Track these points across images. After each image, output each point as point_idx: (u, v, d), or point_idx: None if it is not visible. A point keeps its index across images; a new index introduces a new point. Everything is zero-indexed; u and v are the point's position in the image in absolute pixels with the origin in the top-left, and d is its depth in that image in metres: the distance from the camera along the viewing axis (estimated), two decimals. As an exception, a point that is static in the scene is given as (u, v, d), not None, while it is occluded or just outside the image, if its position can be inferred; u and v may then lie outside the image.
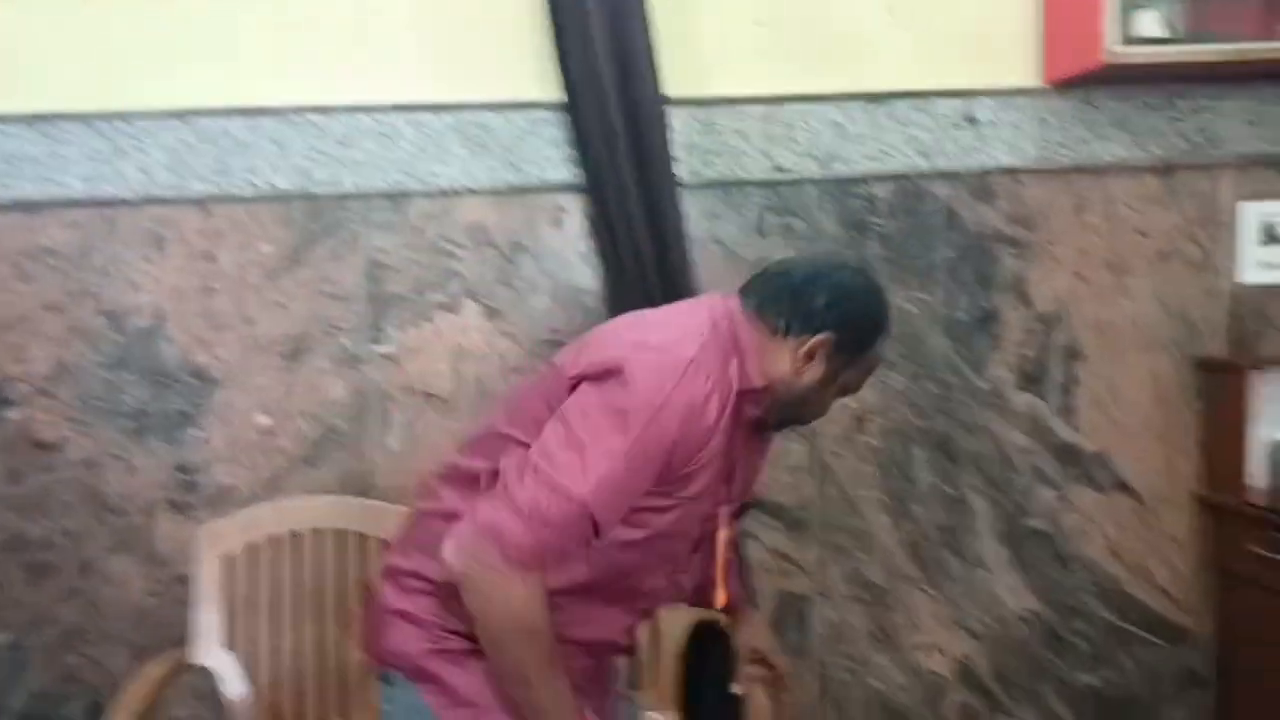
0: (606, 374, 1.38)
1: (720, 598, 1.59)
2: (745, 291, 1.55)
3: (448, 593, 1.42)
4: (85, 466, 2.31)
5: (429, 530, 1.50)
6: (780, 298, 1.51)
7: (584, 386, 1.41)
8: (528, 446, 1.40)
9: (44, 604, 2.33)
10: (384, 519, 2.30)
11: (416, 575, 1.52)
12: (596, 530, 1.34)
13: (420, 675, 1.49)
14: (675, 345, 1.41)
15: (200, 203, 2.26)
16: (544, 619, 1.34)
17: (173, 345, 2.29)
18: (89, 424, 2.30)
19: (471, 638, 1.41)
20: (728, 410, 1.43)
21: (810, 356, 1.50)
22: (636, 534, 1.43)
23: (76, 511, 2.31)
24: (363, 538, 2.31)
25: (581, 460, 1.32)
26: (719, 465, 1.46)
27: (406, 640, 1.50)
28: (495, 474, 1.42)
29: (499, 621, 1.34)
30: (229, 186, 2.26)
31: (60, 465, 2.30)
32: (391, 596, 1.54)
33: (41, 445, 2.29)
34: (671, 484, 1.41)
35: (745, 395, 1.48)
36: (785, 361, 1.50)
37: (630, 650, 1.65)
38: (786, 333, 1.50)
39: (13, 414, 2.28)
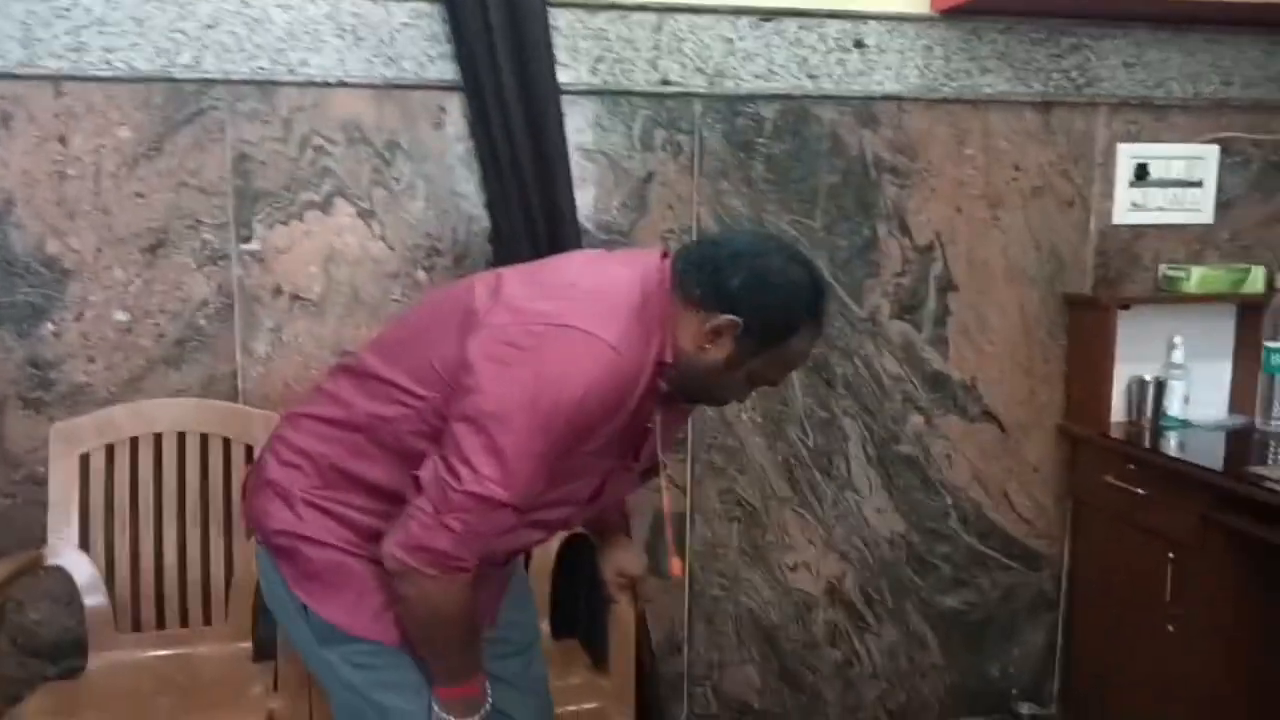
0: (521, 349, 1.36)
1: (674, 566, 1.68)
2: (680, 254, 1.48)
3: (327, 479, 1.48)
4: (-73, 358, 2.19)
5: (320, 412, 1.54)
6: (703, 268, 1.43)
7: (495, 365, 1.36)
8: (422, 401, 1.42)
9: (-118, 502, 2.21)
10: (249, 424, 2.25)
11: (299, 451, 1.52)
12: (521, 514, 1.40)
13: (278, 548, 1.51)
14: (602, 325, 1.37)
15: (53, 80, 2.13)
16: (471, 606, 1.42)
17: (22, 232, 2.17)
18: (-70, 313, 2.17)
19: (340, 522, 1.48)
20: (641, 389, 1.42)
21: (715, 335, 1.42)
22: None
23: (-80, 404, 2.20)
24: (227, 443, 2.25)
25: (504, 469, 1.33)
26: (624, 425, 1.45)
27: (272, 511, 1.51)
28: (374, 414, 1.47)
29: (428, 614, 1.41)
30: (84, 65, 2.13)
31: (-101, 356, 2.18)
32: (271, 466, 1.55)
33: (-123, 334, 2.17)
34: (594, 439, 1.44)
35: (658, 368, 1.43)
36: (691, 335, 1.43)
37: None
38: (700, 306, 1.43)
39: None
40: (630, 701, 1.98)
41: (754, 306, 1.41)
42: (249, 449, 2.24)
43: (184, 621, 2.22)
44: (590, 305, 1.41)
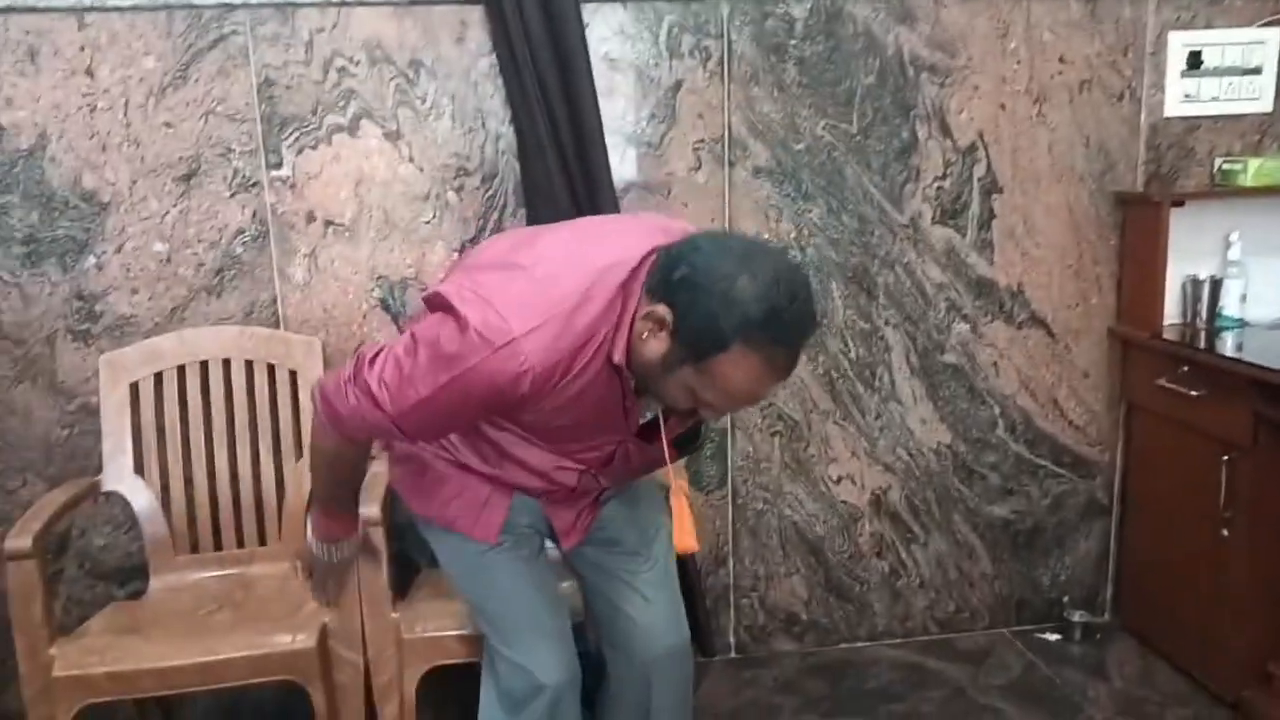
0: (452, 309, 1.37)
1: (681, 543, 1.59)
2: (670, 247, 1.40)
3: None
4: (-22, 295, 2.25)
5: None
6: (668, 256, 1.37)
7: (441, 306, 1.40)
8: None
9: (-57, 433, 2.29)
10: (291, 350, 2.28)
11: None
12: (406, 436, 1.48)
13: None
14: (516, 313, 1.35)
15: (75, 12, 2.14)
16: (340, 457, 1.59)
17: (58, 166, 2.20)
18: (-23, 250, 2.23)
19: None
20: (564, 380, 1.39)
21: (652, 325, 1.35)
22: (514, 430, 1.59)
23: (-29, 340, 2.26)
24: (271, 368, 2.29)
25: (399, 387, 1.40)
26: (590, 404, 1.46)
27: None
28: None
29: (315, 445, 1.62)
30: (105, -5, 2.14)
31: (-49, 294, 2.24)
32: None
33: (-71, 273, 2.23)
34: (510, 415, 1.52)
35: (607, 360, 1.41)
36: (639, 322, 1.38)
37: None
38: (649, 293, 1.37)
39: (-104, 239, 2.20)
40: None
41: (685, 304, 1.32)
42: (292, 374, 2.27)
43: (239, 542, 2.28)
44: (528, 293, 1.37)
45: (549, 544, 1.79)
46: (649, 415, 1.58)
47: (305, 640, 1.96)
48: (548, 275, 1.39)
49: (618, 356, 1.40)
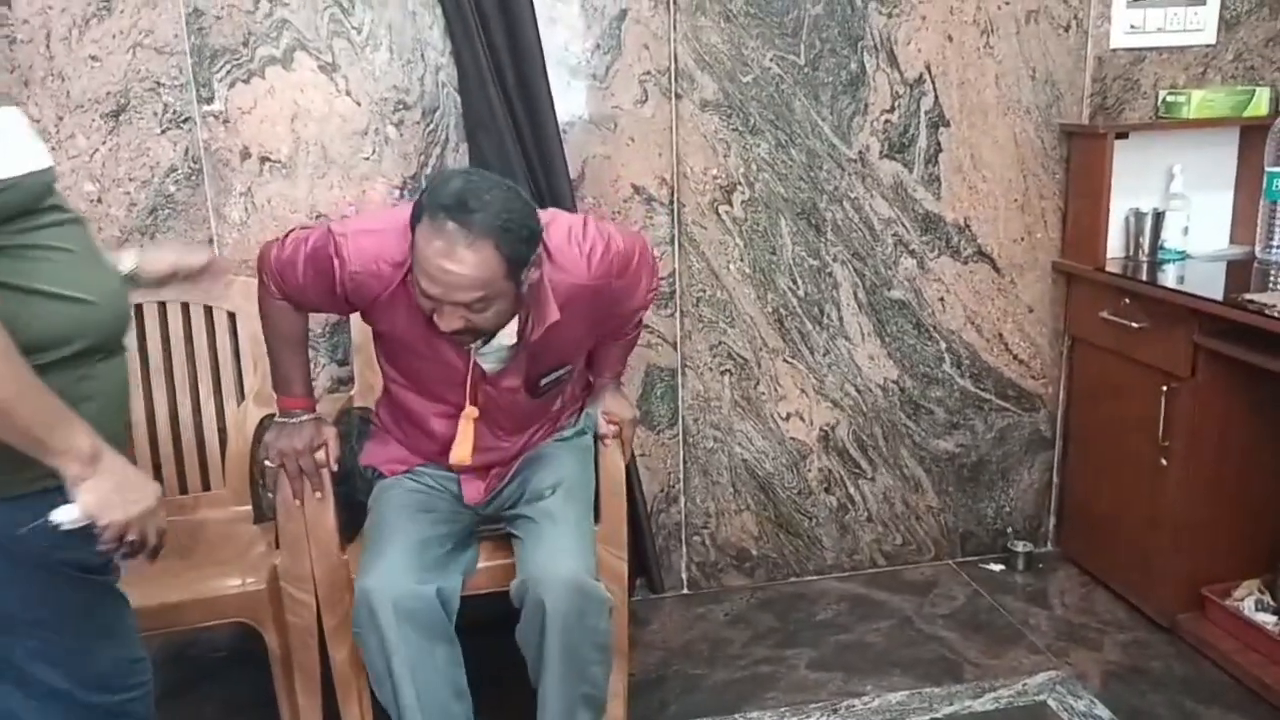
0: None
1: (454, 453, 1.85)
2: None
3: None
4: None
5: None
6: None
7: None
8: None
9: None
10: (229, 291, 2.22)
11: None
12: (277, 281, 1.82)
13: None
14: (361, 219, 1.89)
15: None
16: (275, 316, 1.88)
17: (-24, 102, 2.11)
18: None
19: None
20: (385, 291, 1.69)
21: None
22: (391, 370, 1.91)
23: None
24: (209, 310, 2.24)
25: (291, 241, 1.80)
26: (421, 332, 1.70)
27: None
28: None
29: (260, 314, 1.93)
30: (20, -81, 2.04)
31: None
32: None
33: None
34: (362, 314, 1.82)
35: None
36: None
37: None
38: None
39: None
40: (623, 545, 2.00)
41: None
42: (230, 315, 2.22)
43: (183, 488, 2.25)
44: (379, 213, 1.86)
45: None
46: (478, 348, 1.75)
47: (256, 582, 1.94)
48: (403, 210, 1.65)
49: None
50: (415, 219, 1.56)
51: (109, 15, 2.11)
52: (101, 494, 1.23)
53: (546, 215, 1.71)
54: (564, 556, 1.79)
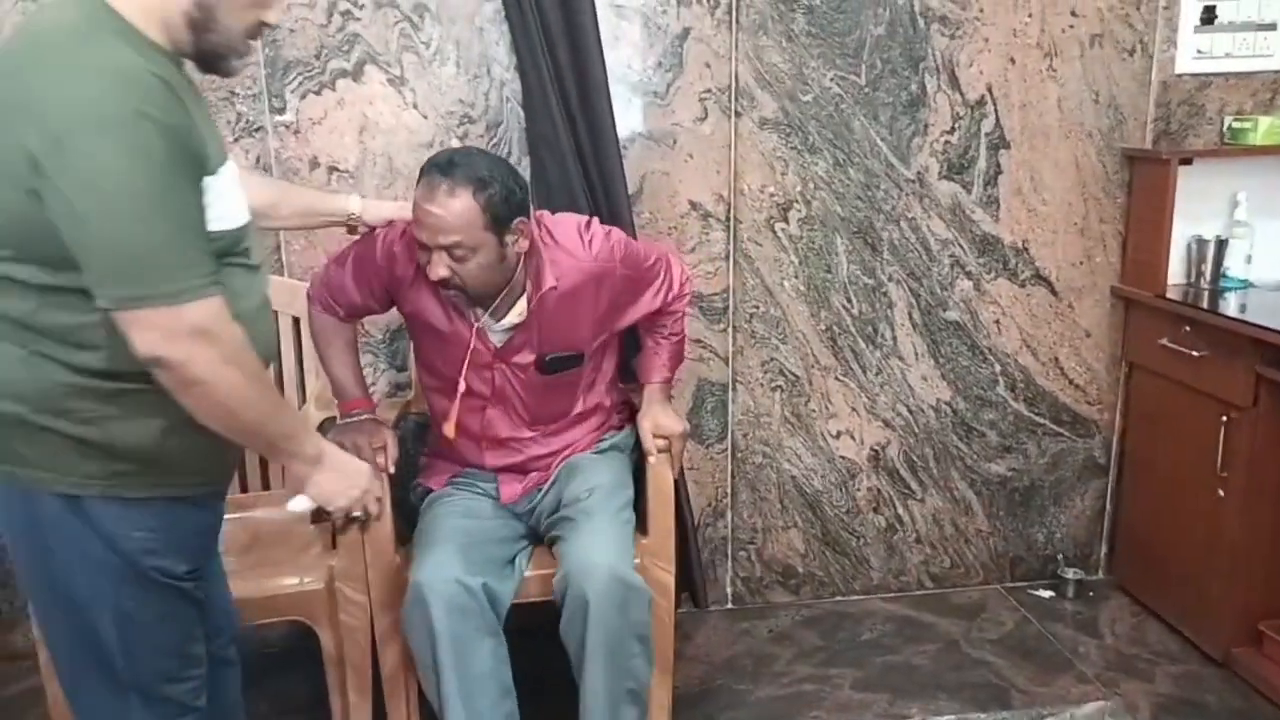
0: None
1: (447, 429, 1.98)
2: None
3: None
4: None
5: None
6: None
7: None
8: None
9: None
10: (295, 297, 2.27)
11: None
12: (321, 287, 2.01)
13: None
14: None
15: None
16: (323, 329, 2.03)
17: None
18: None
19: None
20: (410, 273, 1.88)
21: None
22: (424, 374, 2.05)
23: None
24: (274, 315, 2.28)
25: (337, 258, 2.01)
26: (438, 308, 1.88)
27: None
28: None
29: (311, 331, 2.08)
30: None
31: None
32: None
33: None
34: (396, 301, 1.97)
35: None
36: None
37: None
38: None
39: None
40: (670, 559, 2.02)
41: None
42: (295, 320, 2.27)
43: (243, 487, 2.30)
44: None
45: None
46: (484, 321, 1.88)
47: (313, 582, 1.98)
48: None
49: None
50: (416, 184, 1.77)
51: None
52: (326, 487, 1.50)
53: (563, 217, 1.97)
54: (602, 549, 1.82)
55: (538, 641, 1.87)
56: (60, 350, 1.23)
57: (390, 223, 1.92)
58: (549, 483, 2.04)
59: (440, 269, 1.75)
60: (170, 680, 1.40)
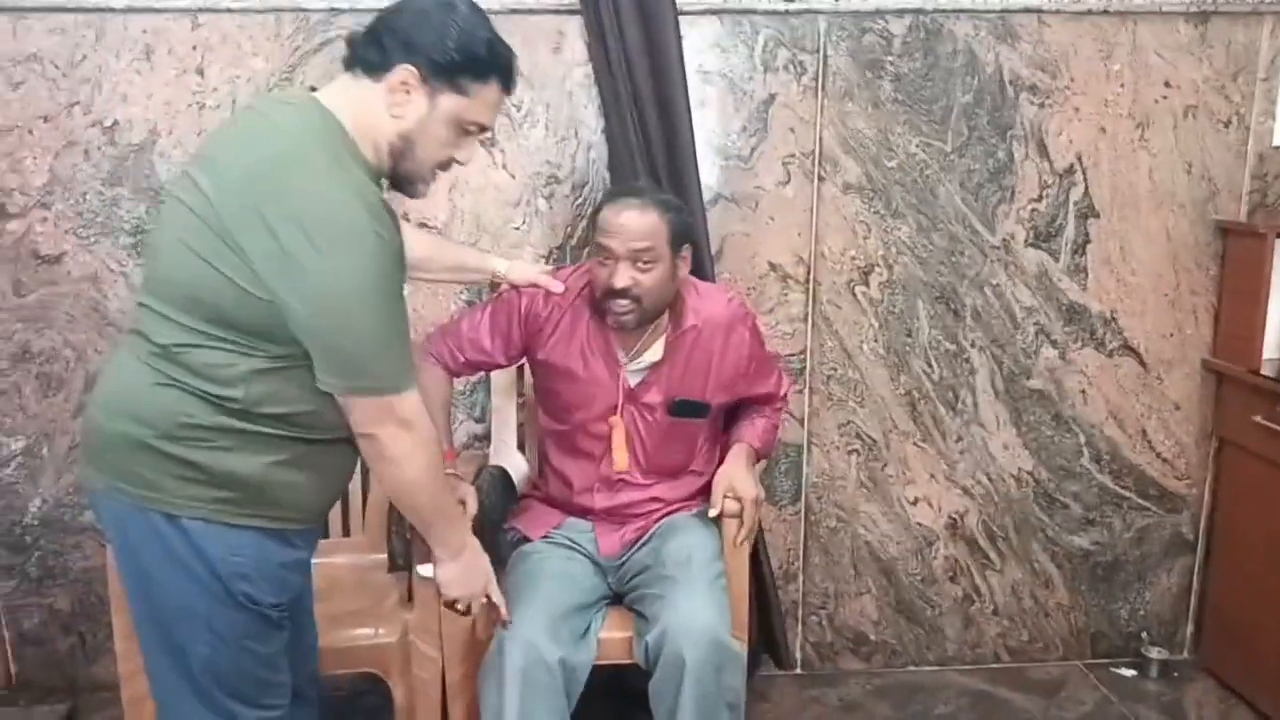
0: None
1: (615, 461, 2.04)
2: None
3: None
4: (87, 281, 2.33)
5: None
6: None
7: None
8: None
9: (54, 415, 2.39)
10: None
11: None
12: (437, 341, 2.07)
13: None
14: None
15: (189, 13, 2.21)
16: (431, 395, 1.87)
17: (167, 161, 2.27)
18: (88, 239, 2.31)
19: None
20: (550, 320, 2.01)
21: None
22: (546, 419, 2.13)
23: (80, 325, 2.35)
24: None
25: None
26: (577, 352, 1.99)
27: None
28: None
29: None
30: (219, -2, 2.20)
31: (62, 279, 2.32)
32: None
33: (42, 258, 2.32)
34: (528, 349, 2.05)
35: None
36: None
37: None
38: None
39: (13, 226, 2.30)
40: (744, 627, 1.99)
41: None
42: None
43: (324, 533, 2.33)
44: None
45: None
46: (628, 363, 1.98)
47: (388, 635, 2.00)
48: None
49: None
50: (596, 212, 1.95)
51: (290, 85, 2.26)
52: (450, 575, 1.67)
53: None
54: (704, 610, 1.83)
55: (600, 703, 1.86)
56: (198, 382, 1.34)
57: (533, 284, 2.02)
58: (646, 537, 2.04)
59: (624, 277, 1.86)
60: (253, 705, 1.48)
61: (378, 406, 1.37)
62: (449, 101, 1.39)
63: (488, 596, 1.73)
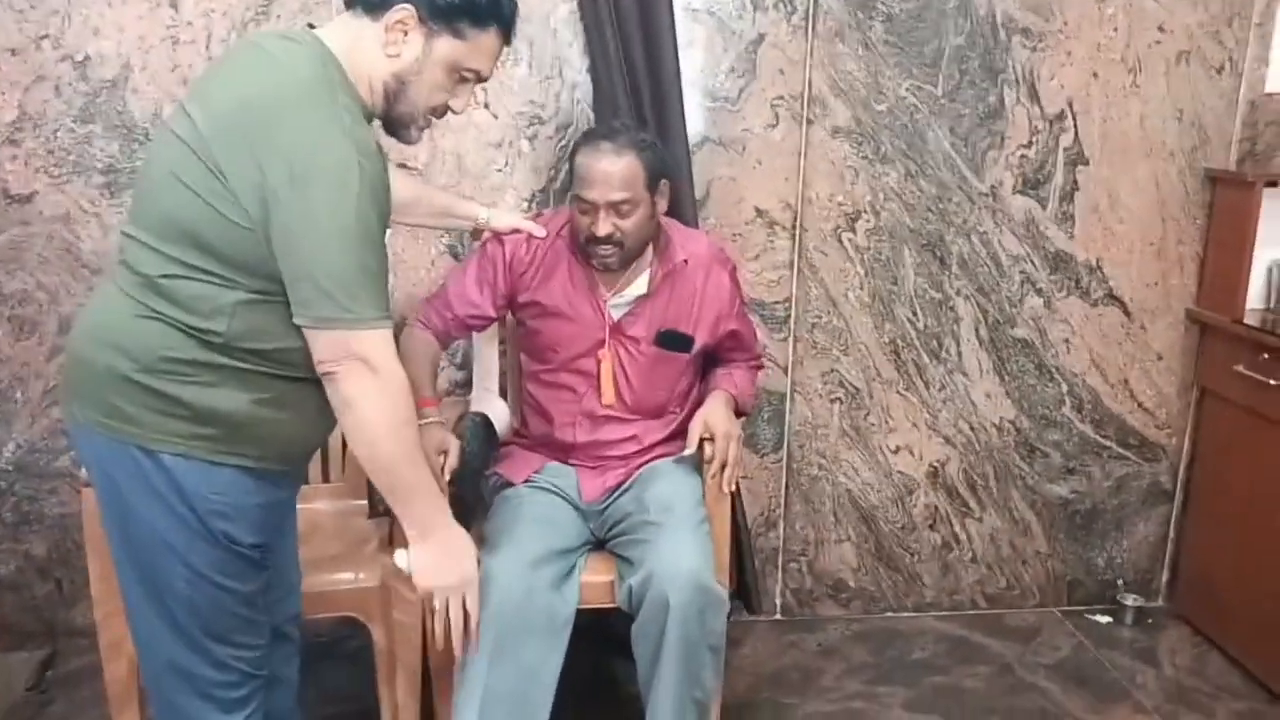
0: None
1: (603, 395, 2.05)
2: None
3: None
4: (59, 222, 2.28)
5: None
6: None
7: None
8: None
9: (28, 358, 2.34)
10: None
11: None
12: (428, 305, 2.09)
13: None
14: None
15: (162, -57, 2.14)
16: (413, 344, 2.01)
17: (140, 98, 2.21)
18: (59, 177, 2.25)
19: None
20: (535, 260, 2.04)
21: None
22: (530, 361, 2.12)
23: (53, 266, 2.30)
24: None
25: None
26: (562, 290, 2.01)
27: None
28: None
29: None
30: (192, -73, 2.13)
31: (34, 219, 2.27)
32: None
33: (13, 197, 2.26)
34: (512, 293, 2.05)
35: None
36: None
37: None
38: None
39: (-19, 163, 2.23)
40: (725, 571, 2.00)
41: None
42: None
43: (305, 478, 2.31)
44: None
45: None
46: (611, 299, 1.99)
47: (368, 579, 2.00)
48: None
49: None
50: (572, 156, 1.96)
51: (266, 19, 2.20)
52: (424, 561, 1.54)
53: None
54: (688, 554, 1.83)
55: (583, 648, 1.87)
56: (180, 314, 1.33)
57: (515, 230, 2.03)
58: (629, 483, 2.05)
59: (605, 225, 1.87)
60: (231, 644, 1.47)
61: (338, 340, 1.33)
62: (445, 45, 1.39)
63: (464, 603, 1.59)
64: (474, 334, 2.28)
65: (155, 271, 1.33)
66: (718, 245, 2.12)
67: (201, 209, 1.30)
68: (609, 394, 2.04)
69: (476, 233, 2.09)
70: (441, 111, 1.46)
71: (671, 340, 2.03)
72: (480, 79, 1.46)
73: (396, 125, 1.45)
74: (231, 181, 1.28)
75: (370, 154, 1.31)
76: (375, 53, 1.37)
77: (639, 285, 2.01)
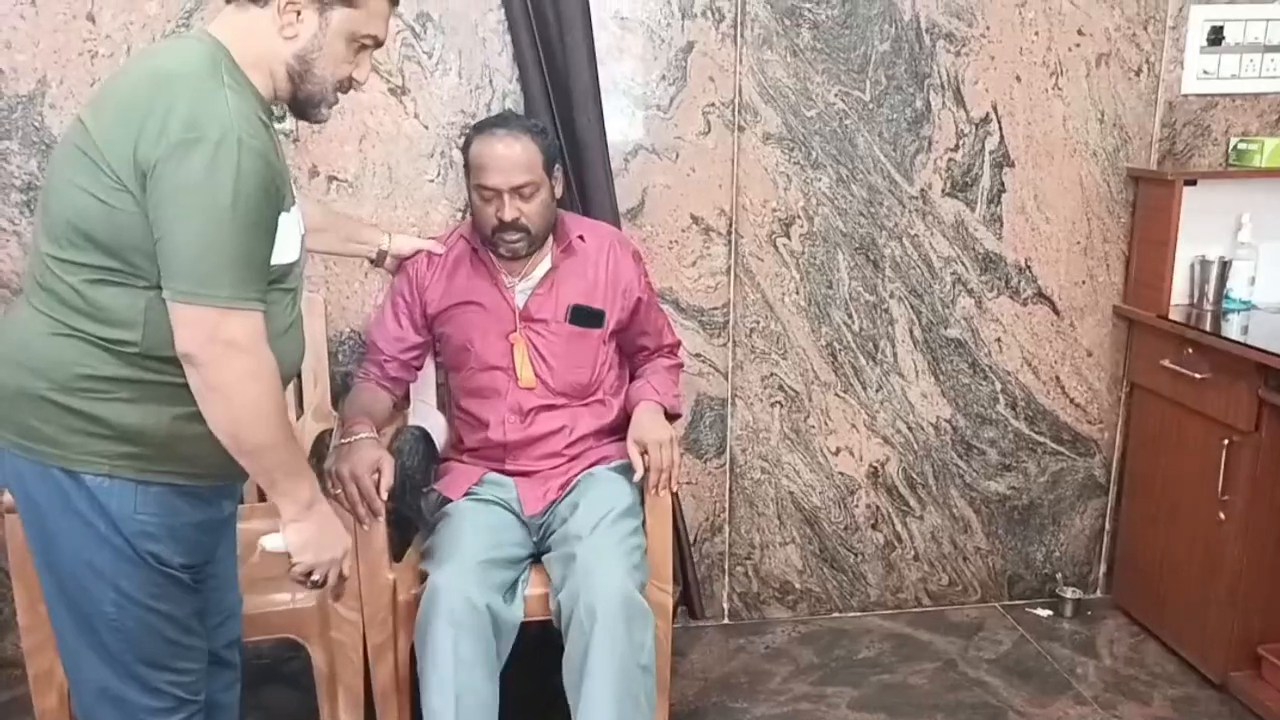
0: None
1: (521, 378, 2.07)
2: None
3: None
4: (-25, 242, 2.22)
5: None
6: None
7: None
8: None
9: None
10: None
11: None
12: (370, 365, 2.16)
13: None
14: None
15: (76, -46, 2.10)
16: (361, 395, 2.11)
17: (58, 113, 2.16)
18: (-26, 196, 2.19)
19: None
20: (436, 269, 2.13)
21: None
22: (454, 372, 2.16)
23: (-31, 288, 2.24)
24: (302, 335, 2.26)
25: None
26: (465, 282, 2.08)
27: None
28: None
29: None
30: (108, -62, 2.09)
31: (-52, 240, 2.21)
32: None
33: (-75, 217, 2.19)
34: (424, 304, 2.12)
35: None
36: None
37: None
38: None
39: (-109, 182, 2.17)
40: (669, 580, 2.00)
41: None
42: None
43: (240, 497, 2.27)
44: None
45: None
46: (515, 285, 2.04)
47: (305, 599, 1.96)
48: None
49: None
50: (466, 148, 1.98)
51: (187, 31, 2.15)
52: (304, 537, 1.46)
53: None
54: (616, 569, 1.83)
55: (530, 660, 1.86)
56: (95, 327, 1.30)
57: (416, 251, 2.11)
58: (568, 491, 2.04)
59: (511, 210, 1.92)
60: (165, 669, 1.44)
61: (200, 319, 1.26)
62: (340, 15, 1.38)
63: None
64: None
65: (65, 282, 1.31)
66: (621, 233, 2.19)
67: (96, 207, 1.28)
68: (526, 375, 2.05)
69: (377, 260, 2.12)
70: (348, 85, 1.46)
71: (583, 316, 2.06)
72: (378, 43, 1.46)
73: (306, 106, 1.44)
74: (113, 164, 1.26)
75: (257, 134, 1.28)
76: (271, 39, 1.36)
77: (541, 269, 2.05)
